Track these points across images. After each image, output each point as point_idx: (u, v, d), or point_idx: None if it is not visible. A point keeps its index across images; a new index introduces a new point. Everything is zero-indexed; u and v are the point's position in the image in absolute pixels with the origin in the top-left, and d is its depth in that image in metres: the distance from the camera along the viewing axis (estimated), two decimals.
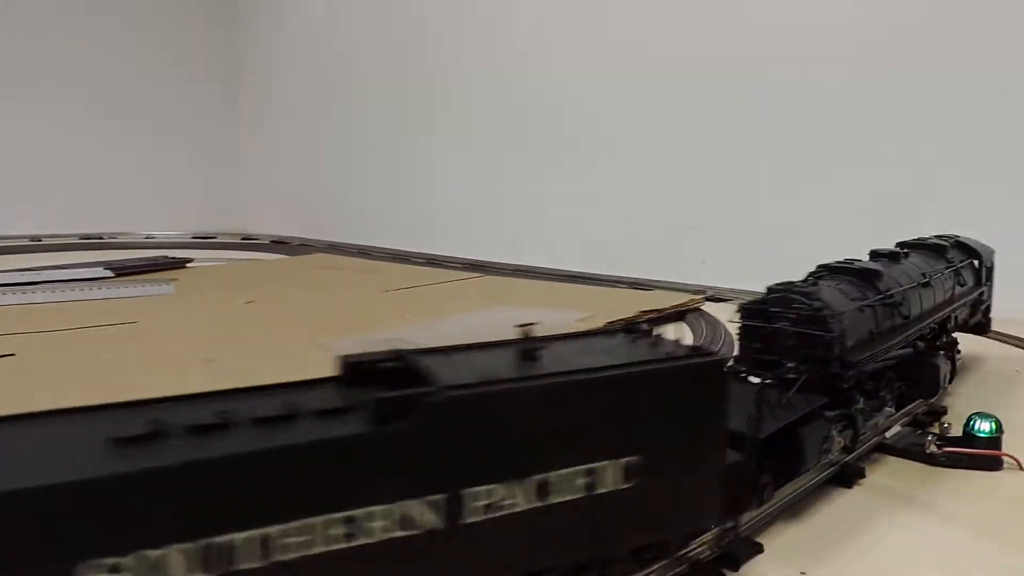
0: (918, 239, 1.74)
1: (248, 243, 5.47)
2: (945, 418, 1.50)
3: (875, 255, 1.50)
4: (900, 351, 1.40)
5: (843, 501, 1.19)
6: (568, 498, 0.74)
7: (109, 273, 2.94)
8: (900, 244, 1.67)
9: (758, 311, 1.21)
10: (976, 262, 1.84)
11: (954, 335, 1.77)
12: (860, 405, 1.23)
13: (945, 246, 1.72)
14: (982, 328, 1.94)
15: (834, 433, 1.14)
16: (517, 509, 0.71)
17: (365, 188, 5.43)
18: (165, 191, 6.16)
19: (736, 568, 0.94)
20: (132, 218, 5.81)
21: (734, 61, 3.34)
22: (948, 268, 1.63)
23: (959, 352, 1.78)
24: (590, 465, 0.75)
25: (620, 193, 3.86)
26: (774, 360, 1.14)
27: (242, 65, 6.55)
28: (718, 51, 3.39)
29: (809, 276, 1.32)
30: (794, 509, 1.13)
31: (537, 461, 0.72)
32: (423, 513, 0.66)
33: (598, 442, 0.76)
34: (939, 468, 1.31)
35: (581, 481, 0.74)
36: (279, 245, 5.34)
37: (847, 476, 1.24)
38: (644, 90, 3.68)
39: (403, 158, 5.10)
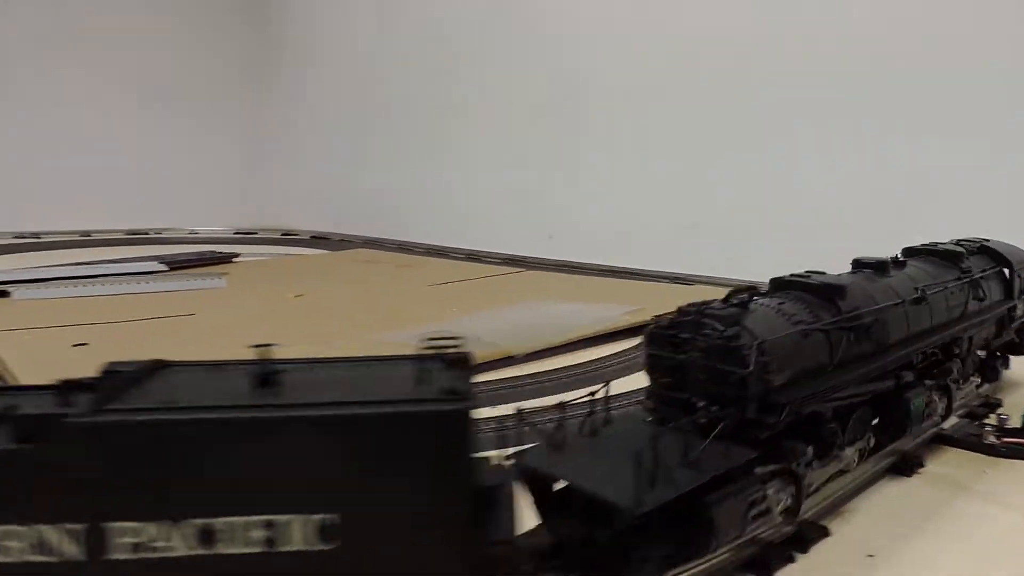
0: (929, 244, 1.50)
1: (288, 239, 5.56)
2: (1001, 410, 1.50)
3: (858, 265, 1.28)
4: (876, 384, 1.16)
5: (904, 489, 1.20)
6: (241, 551, 0.64)
7: (164, 267, 3.03)
8: (907, 250, 1.46)
9: (667, 337, 0.99)
10: (1007, 271, 1.56)
11: (982, 353, 1.55)
12: (807, 456, 1.00)
13: (960, 252, 1.45)
14: (1016, 349, 1.67)
15: (770, 493, 0.93)
16: (174, 554, 0.64)
17: (402, 183, 5.49)
18: (207, 188, 6.29)
19: (804, 551, 0.96)
20: (177, 214, 5.95)
21: (769, 56, 3.33)
22: (960, 279, 1.38)
23: (1006, 365, 1.63)
24: (270, 517, 0.64)
25: (661, 187, 3.86)
26: (685, 399, 0.95)
27: (279, 63, 6.65)
28: (753, 46, 3.38)
29: (746, 293, 1.07)
30: (855, 496, 1.14)
31: (200, 503, 0.64)
32: (61, 541, 0.62)
33: (286, 492, 0.65)
34: (998, 459, 1.31)
35: (258, 534, 0.64)
36: (319, 240, 5.42)
37: (907, 465, 1.25)
38: (681, 82, 3.68)
39: (440, 153, 5.15)
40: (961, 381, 1.41)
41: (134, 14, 5.93)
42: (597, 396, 0.94)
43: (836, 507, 1.09)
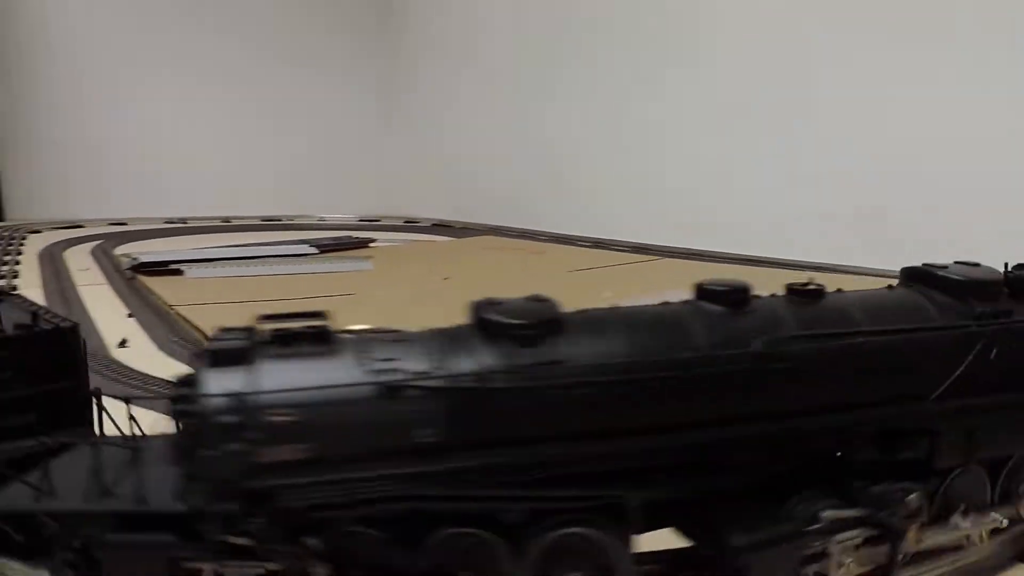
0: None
1: (411, 226, 5.68)
2: None
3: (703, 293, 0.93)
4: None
5: None
6: None
7: (314, 250, 3.13)
8: (906, 271, 1.03)
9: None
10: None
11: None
12: None
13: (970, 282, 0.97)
14: None
15: None
16: None
17: (524, 172, 5.50)
18: (334, 177, 6.52)
19: None
20: (307, 202, 6.21)
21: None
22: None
23: None
24: None
25: (800, 174, 3.68)
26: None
27: (404, 59, 6.78)
28: None
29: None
30: None
31: None
32: None
33: None
34: None
35: None
36: (441, 228, 5.51)
37: None
38: (843, 65, 3.45)
39: (563, 141, 5.11)
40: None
41: (271, 23, 6.18)
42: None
43: None
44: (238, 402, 0.69)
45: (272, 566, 0.71)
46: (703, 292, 0.91)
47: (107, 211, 5.49)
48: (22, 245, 3.65)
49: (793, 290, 0.93)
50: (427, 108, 6.55)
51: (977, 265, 0.98)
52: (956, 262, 0.99)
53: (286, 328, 0.83)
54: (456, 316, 2.12)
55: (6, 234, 4.07)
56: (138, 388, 1.40)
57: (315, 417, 0.70)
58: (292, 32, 6.30)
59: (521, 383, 0.75)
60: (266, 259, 2.90)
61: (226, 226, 5.40)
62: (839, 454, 0.91)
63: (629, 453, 0.79)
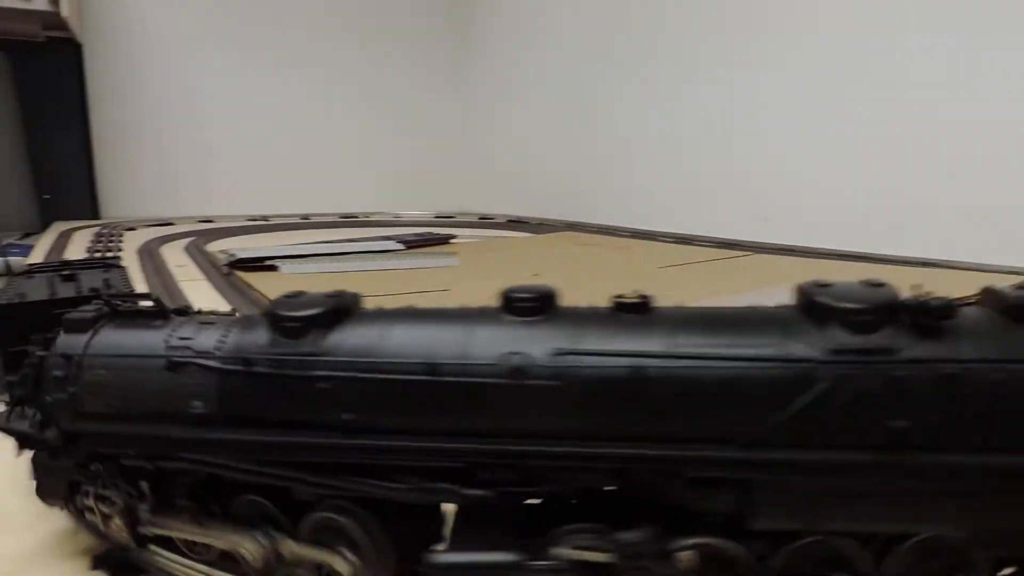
0: None
1: (486, 222, 5.66)
2: None
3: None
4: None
5: None
6: None
7: (401, 246, 3.13)
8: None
9: None
10: None
11: None
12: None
13: None
14: None
15: None
16: None
17: (602, 167, 5.41)
18: (409, 175, 6.58)
19: None
20: (383, 199, 6.28)
21: None
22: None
23: None
24: None
25: (894, 165, 3.49)
26: None
27: (476, 56, 6.79)
28: None
29: None
30: None
31: None
32: None
33: None
34: None
35: None
36: (517, 224, 5.47)
37: None
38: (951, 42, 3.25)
39: (642, 134, 5.00)
40: None
41: (346, 13, 6.27)
42: None
43: None
44: (70, 360, 0.87)
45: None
46: (506, 300, 0.83)
47: (195, 209, 5.66)
48: (120, 242, 3.77)
49: (618, 303, 0.83)
50: (501, 105, 6.53)
51: (880, 286, 0.77)
52: (861, 281, 0.79)
53: (131, 306, 0.95)
54: None
55: (105, 232, 4.22)
56: None
57: (120, 378, 0.85)
58: (369, 37, 6.38)
59: (276, 370, 0.81)
60: (355, 255, 2.91)
61: (305, 223, 5.49)
62: (611, 490, 0.80)
63: (374, 450, 0.81)
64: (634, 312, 0.79)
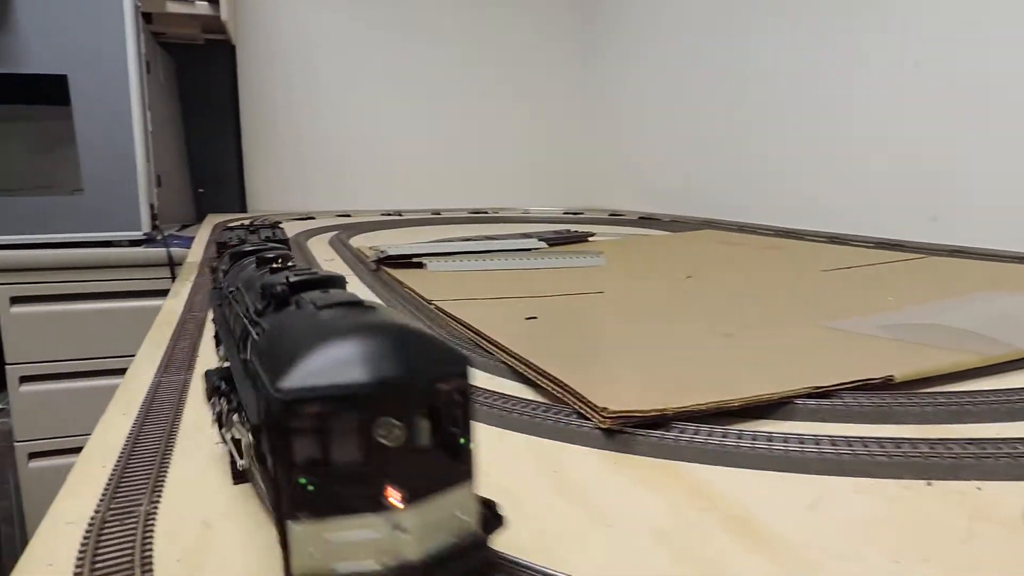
0: None
1: (617, 218, 5.52)
2: None
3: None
4: None
5: None
6: None
7: (543, 244, 3.06)
8: None
9: None
10: None
11: None
12: None
13: None
14: None
15: None
16: None
17: (735, 162, 5.16)
18: (538, 170, 6.54)
19: None
20: (512, 195, 6.28)
21: None
22: None
23: None
24: None
25: None
26: None
27: (605, 49, 6.65)
28: None
29: None
30: None
31: None
32: None
33: None
34: None
35: None
36: (648, 221, 5.30)
37: None
38: None
39: (788, 125, 4.71)
40: None
41: (475, 16, 6.28)
42: None
43: None
44: None
45: None
46: None
47: (332, 203, 5.87)
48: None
49: None
50: (630, 99, 6.37)
51: (312, 272, 0.70)
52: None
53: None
54: (715, 316, 1.90)
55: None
56: None
57: None
58: (503, 33, 6.37)
59: None
60: (500, 252, 2.87)
61: (437, 218, 5.55)
62: None
63: None
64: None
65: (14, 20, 3.39)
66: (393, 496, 0.49)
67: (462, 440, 0.53)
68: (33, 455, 3.61)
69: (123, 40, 3.55)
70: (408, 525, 0.49)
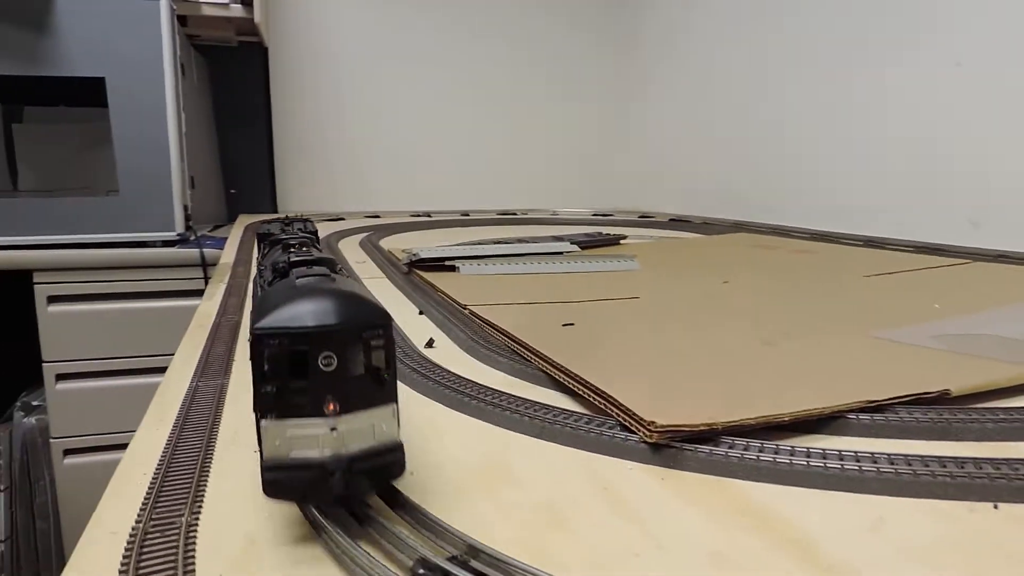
0: None
1: (648, 220, 5.47)
2: None
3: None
4: None
5: None
6: None
7: (576, 248, 3.03)
8: None
9: None
10: None
11: None
12: None
13: None
14: None
15: None
16: None
17: (766, 163, 5.08)
18: (567, 171, 6.51)
19: None
20: (540, 196, 6.24)
21: None
22: None
23: None
24: None
25: None
26: None
27: (635, 49, 6.59)
28: None
29: None
30: None
31: None
32: None
33: None
34: None
35: None
36: (679, 223, 5.24)
37: None
38: None
39: (823, 124, 4.62)
40: None
41: (510, 16, 6.27)
42: None
43: None
44: None
45: None
46: None
47: (363, 204, 5.89)
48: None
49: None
50: (659, 99, 6.31)
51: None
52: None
53: None
54: (756, 324, 1.84)
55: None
56: (467, 394, 1.34)
57: None
58: (532, 33, 6.35)
59: None
60: (532, 256, 2.85)
61: (466, 220, 5.54)
62: None
63: None
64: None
65: (55, 24, 3.44)
66: (331, 407, 0.71)
67: (385, 374, 0.74)
68: (68, 451, 3.66)
69: (159, 43, 3.58)
70: (341, 429, 0.71)
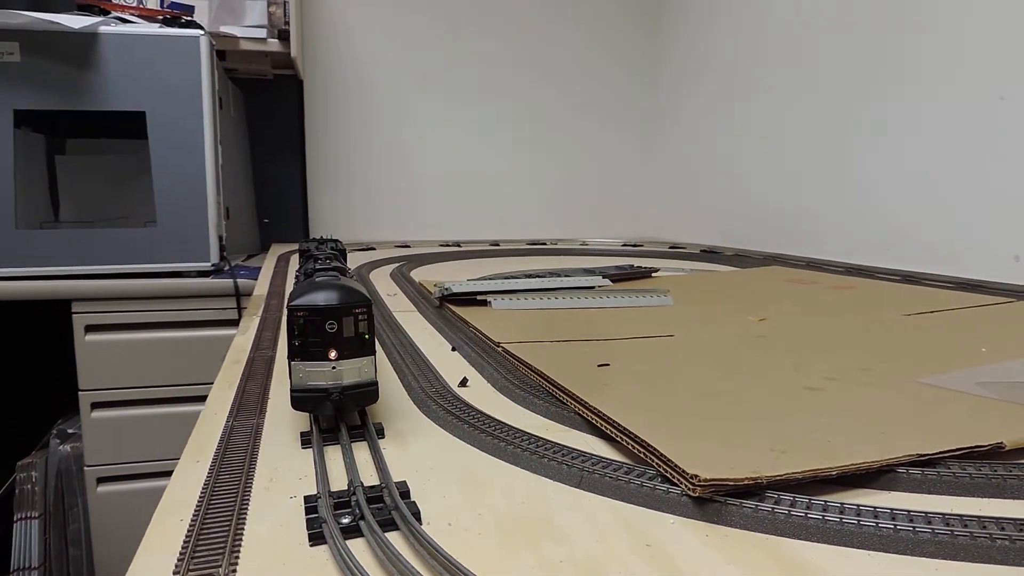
0: None
1: (678, 251, 5.43)
2: None
3: None
4: None
5: None
6: None
7: (607, 281, 3.01)
8: None
9: None
10: None
11: None
12: None
13: None
14: None
15: None
16: None
17: (801, 193, 5.02)
18: (596, 201, 6.50)
19: None
20: (570, 226, 6.24)
21: None
22: None
23: None
24: None
25: None
26: None
27: (663, 83, 6.60)
28: None
29: None
30: None
31: None
32: None
33: None
34: None
35: None
36: (710, 254, 5.19)
37: None
38: None
39: (862, 153, 4.57)
40: None
41: (537, 45, 6.32)
42: None
43: None
44: None
45: None
46: None
47: (393, 234, 5.94)
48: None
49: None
50: (690, 127, 6.30)
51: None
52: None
53: None
54: (796, 366, 1.80)
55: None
56: (504, 439, 1.32)
57: None
58: (562, 64, 6.40)
59: None
60: (565, 291, 2.83)
61: (496, 250, 5.55)
62: None
63: None
64: None
65: (99, 61, 3.54)
66: (332, 355, 1.12)
67: (366, 336, 1.13)
68: (101, 479, 3.69)
69: (199, 78, 3.67)
70: (340, 369, 1.13)
